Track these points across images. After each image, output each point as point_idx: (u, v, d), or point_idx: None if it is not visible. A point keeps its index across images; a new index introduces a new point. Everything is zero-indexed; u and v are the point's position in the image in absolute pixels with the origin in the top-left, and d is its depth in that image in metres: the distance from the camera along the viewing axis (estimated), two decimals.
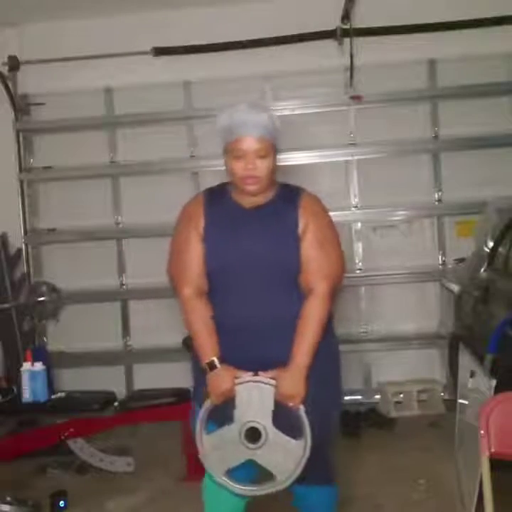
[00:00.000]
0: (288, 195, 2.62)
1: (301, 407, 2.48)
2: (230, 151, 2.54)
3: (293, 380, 2.46)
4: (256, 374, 2.49)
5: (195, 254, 2.56)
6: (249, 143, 2.49)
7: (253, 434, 2.48)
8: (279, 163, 2.63)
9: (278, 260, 2.51)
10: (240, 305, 2.53)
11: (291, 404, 2.47)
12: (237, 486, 2.54)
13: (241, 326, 2.52)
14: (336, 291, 2.56)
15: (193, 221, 2.60)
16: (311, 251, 2.51)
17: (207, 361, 2.52)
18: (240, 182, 2.55)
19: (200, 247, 2.56)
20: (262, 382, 2.48)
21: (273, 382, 2.47)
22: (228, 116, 2.52)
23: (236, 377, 2.49)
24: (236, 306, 2.54)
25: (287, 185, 2.71)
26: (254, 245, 2.53)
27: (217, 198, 2.66)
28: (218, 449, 2.53)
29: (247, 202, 2.60)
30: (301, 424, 2.48)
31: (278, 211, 2.58)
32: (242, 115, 2.50)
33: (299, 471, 2.48)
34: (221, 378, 2.49)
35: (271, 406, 2.48)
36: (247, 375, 2.49)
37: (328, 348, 2.61)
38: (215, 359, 2.51)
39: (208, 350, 2.53)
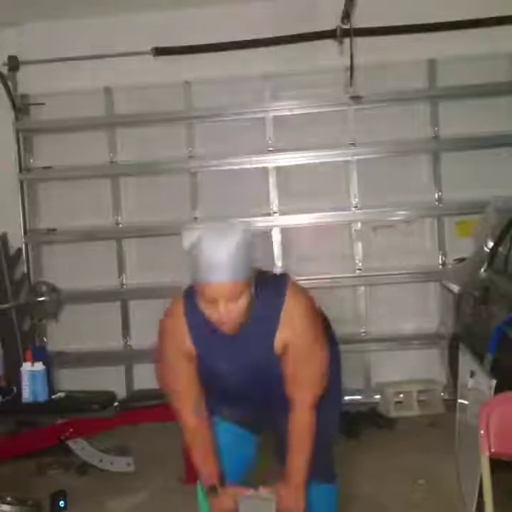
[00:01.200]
0: (270, 303, 2.37)
1: None
2: (202, 292, 2.26)
3: (293, 496, 2.45)
4: (256, 489, 2.49)
5: (191, 377, 2.52)
6: (220, 289, 2.21)
7: None
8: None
9: (263, 378, 2.49)
10: (237, 401, 2.59)
11: None
12: None
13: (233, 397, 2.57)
14: (317, 399, 2.47)
15: (177, 345, 2.55)
16: (292, 365, 2.42)
17: (208, 486, 2.50)
18: (215, 323, 2.32)
19: (193, 368, 2.51)
20: (264, 498, 2.47)
21: (273, 497, 2.47)
22: (195, 249, 2.22)
23: (237, 494, 2.49)
24: (233, 402, 2.60)
25: (268, 285, 2.40)
26: (237, 369, 2.48)
27: (196, 313, 2.38)
28: None
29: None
30: None
31: (257, 331, 2.38)
32: (210, 255, 2.18)
33: None
34: (223, 501, 2.48)
35: None
36: (248, 492, 2.48)
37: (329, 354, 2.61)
38: (216, 484, 2.49)
39: (208, 474, 2.51)
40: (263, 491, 2.48)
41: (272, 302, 2.37)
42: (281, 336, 2.38)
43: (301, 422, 2.46)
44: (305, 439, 2.45)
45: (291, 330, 2.37)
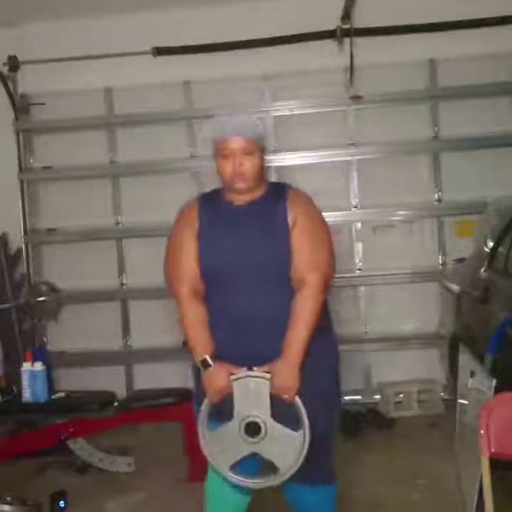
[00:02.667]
0: (277, 191, 2.69)
1: (297, 399, 2.50)
2: (219, 151, 2.62)
3: (287, 372, 2.49)
4: (250, 369, 2.52)
5: (190, 254, 2.62)
6: (236, 142, 2.58)
7: (253, 429, 2.51)
8: (269, 164, 2.70)
9: (270, 254, 2.56)
10: (235, 303, 2.56)
11: (285, 396, 2.50)
12: (242, 479, 2.58)
13: (236, 323, 2.55)
14: (327, 284, 2.58)
15: (187, 223, 2.68)
16: (301, 242, 2.56)
17: (200, 359, 2.55)
18: (229, 180, 2.62)
19: (194, 248, 2.62)
20: (257, 377, 2.50)
21: (268, 375, 2.50)
22: (215, 120, 2.65)
23: (231, 374, 2.52)
24: (231, 303, 2.57)
25: (277, 183, 2.84)
26: (246, 241, 2.59)
27: (210, 200, 2.74)
28: (221, 446, 2.56)
29: (238, 200, 2.66)
30: (298, 415, 2.50)
31: (268, 206, 2.64)
32: (228, 117, 2.62)
33: (300, 462, 2.51)
34: (216, 376, 2.52)
35: (267, 399, 2.51)
36: (242, 371, 2.52)
37: (325, 343, 2.63)
38: (208, 357, 2.54)
39: (201, 348, 2.56)
40: (257, 370, 2.52)
41: (278, 191, 2.69)
42: (290, 213, 2.61)
43: (305, 299, 2.51)
44: (306, 316, 2.50)
45: (297, 208, 2.63)
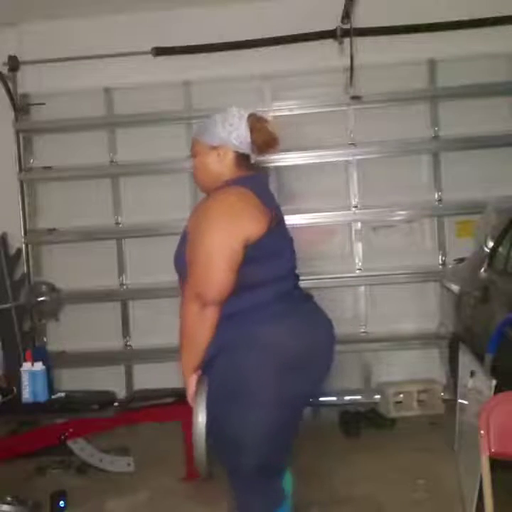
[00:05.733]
0: (210, 196, 2.55)
1: (192, 402, 2.46)
2: None
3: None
4: None
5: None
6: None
7: None
8: (218, 163, 2.55)
9: (181, 264, 2.51)
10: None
11: None
12: None
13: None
14: (201, 298, 2.39)
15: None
16: (187, 253, 2.47)
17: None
18: None
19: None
20: None
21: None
22: None
23: None
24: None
25: (222, 187, 2.53)
26: (180, 249, 2.56)
27: None
28: None
29: None
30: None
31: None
32: None
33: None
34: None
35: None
36: None
37: (218, 365, 2.45)
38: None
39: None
40: None
41: (210, 196, 2.54)
42: (189, 222, 2.52)
43: (180, 307, 2.47)
44: (180, 325, 2.47)
45: (191, 219, 2.51)
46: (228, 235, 2.38)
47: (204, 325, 2.41)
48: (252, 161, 2.61)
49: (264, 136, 2.58)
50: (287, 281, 2.54)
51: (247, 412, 2.39)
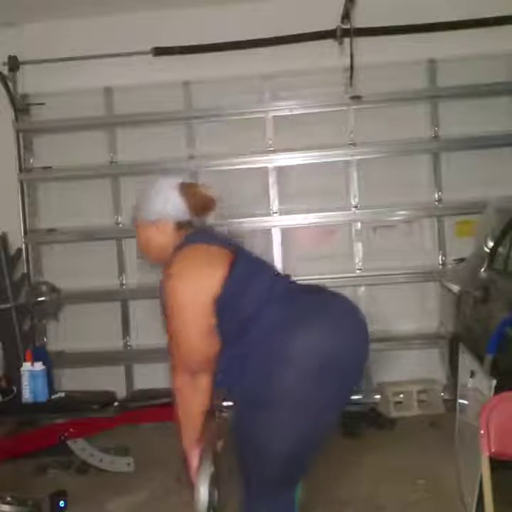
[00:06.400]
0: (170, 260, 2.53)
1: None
2: None
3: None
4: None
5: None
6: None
7: None
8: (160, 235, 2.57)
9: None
10: None
11: None
12: None
13: None
14: (191, 370, 2.39)
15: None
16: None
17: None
18: None
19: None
20: None
21: None
22: None
23: None
24: None
25: (176, 249, 2.52)
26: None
27: None
28: None
29: None
30: None
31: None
32: None
33: None
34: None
35: None
36: None
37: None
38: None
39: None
40: None
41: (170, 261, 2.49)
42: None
43: (172, 381, 2.44)
44: (176, 399, 2.44)
45: (162, 283, 2.54)
46: (198, 301, 2.36)
47: (198, 395, 2.41)
48: (195, 224, 2.59)
49: (199, 201, 2.58)
50: (278, 284, 2.49)
51: (280, 423, 2.33)
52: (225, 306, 2.35)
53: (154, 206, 2.55)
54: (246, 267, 2.44)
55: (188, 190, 2.57)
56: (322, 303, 2.53)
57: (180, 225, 2.55)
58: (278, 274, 2.57)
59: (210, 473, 2.41)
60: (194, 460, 2.44)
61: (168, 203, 2.54)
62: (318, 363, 2.31)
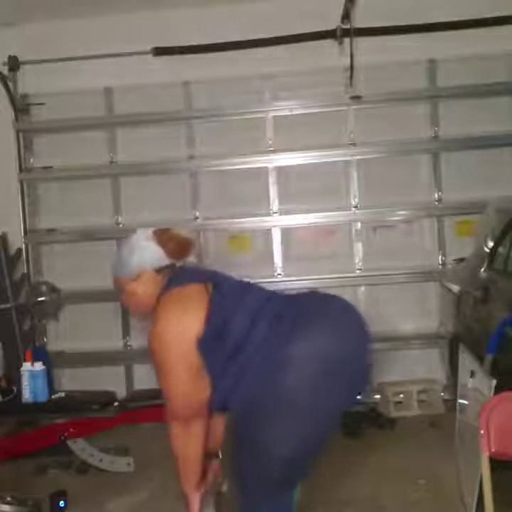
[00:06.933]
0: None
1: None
2: None
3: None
4: None
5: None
6: (113, 283, 2.73)
7: None
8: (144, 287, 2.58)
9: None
10: None
11: None
12: None
13: None
14: (179, 412, 2.38)
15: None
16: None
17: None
18: None
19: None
20: None
21: None
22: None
23: None
24: None
25: (159, 302, 2.52)
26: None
27: None
28: None
29: None
30: None
31: None
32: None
33: None
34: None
35: None
36: None
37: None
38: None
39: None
40: None
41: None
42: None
43: (170, 431, 2.43)
44: (172, 448, 2.43)
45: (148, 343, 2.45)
46: (184, 343, 2.35)
47: (193, 443, 2.41)
48: (178, 265, 2.58)
49: (177, 245, 2.57)
50: (266, 301, 2.46)
51: (282, 427, 2.33)
52: (212, 339, 2.35)
53: (133, 262, 2.56)
54: (226, 297, 2.44)
55: (163, 236, 2.57)
56: (319, 305, 2.51)
57: (160, 270, 2.55)
58: (264, 291, 2.55)
59: None
60: (195, 504, 2.45)
61: (144, 254, 2.55)
62: (321, 365, 2.31)
